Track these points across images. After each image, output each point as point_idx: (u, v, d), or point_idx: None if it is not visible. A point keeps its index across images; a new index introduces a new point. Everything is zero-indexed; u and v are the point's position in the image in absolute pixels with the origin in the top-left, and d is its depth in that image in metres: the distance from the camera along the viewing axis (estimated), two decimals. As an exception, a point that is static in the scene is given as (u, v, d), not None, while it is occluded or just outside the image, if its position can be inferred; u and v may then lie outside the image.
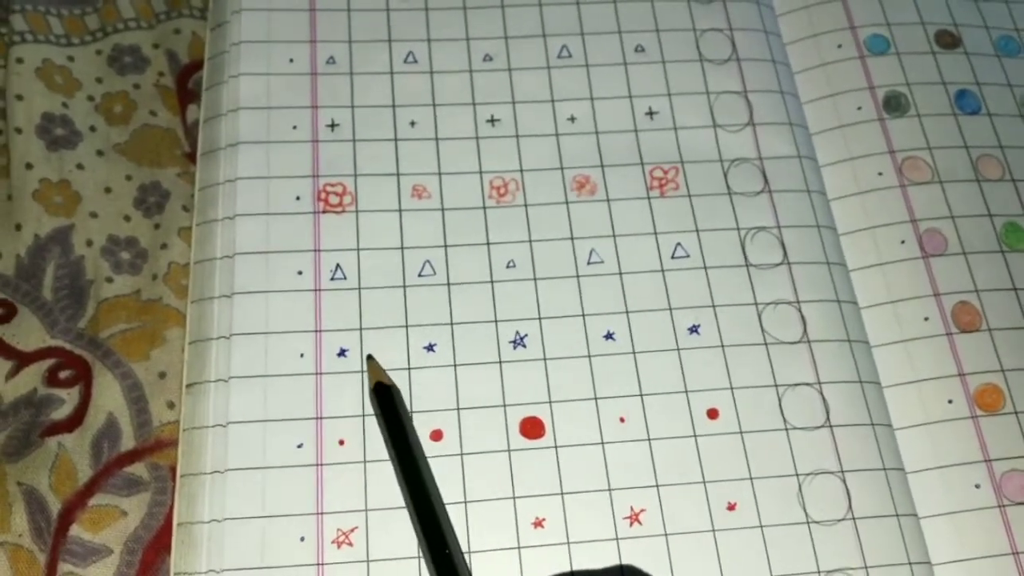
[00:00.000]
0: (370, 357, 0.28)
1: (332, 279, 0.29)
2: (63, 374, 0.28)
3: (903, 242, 0.31)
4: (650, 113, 0.33)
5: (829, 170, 0.32)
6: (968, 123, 0.33)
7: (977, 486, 0.28)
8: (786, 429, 0.27)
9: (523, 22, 0.34)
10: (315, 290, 0.29)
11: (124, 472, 0.27)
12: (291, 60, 0.32)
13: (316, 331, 0.28)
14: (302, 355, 0.28)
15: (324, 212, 0.30)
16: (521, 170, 0.31)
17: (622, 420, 0.27)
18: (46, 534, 0.26)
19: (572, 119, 0.32)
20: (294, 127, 0.31)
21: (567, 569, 0.25)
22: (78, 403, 0.28)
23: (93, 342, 0.28)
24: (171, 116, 0.32)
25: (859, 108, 0.33)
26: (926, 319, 0.30)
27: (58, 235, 0.30)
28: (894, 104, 0.33)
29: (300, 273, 0.29)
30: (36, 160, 0.30)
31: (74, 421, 0.27)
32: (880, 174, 0.32)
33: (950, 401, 0.29)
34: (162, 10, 0.34)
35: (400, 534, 0.25)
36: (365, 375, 0.28)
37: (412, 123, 0.32)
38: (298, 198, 0.30)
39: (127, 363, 0.28)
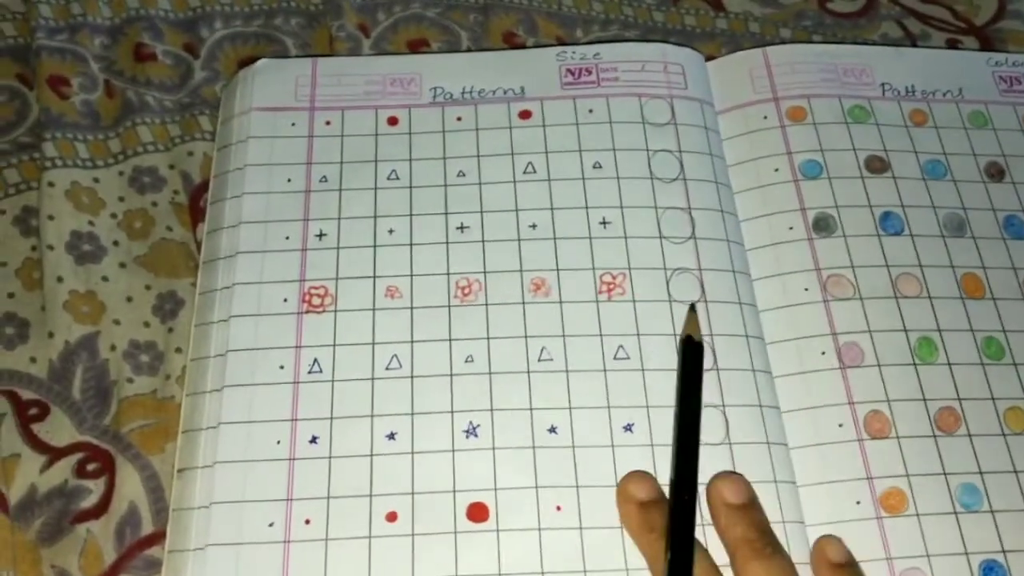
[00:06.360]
0: (693, 308, 0.33)
1: (310, 372, 0.33)
2: (90, 467, 0.32)
3: (823, 353, 0.34)
4: (603, 223, 0.36)
5: (761, 283, 0.36)
6: (890, 243, 0.37)
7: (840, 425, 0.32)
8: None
9: (494, 143, 0.38)
10: (294, 383, 0.32)
11: (144, 554, 0.31)
12: (289, 180, 0.36)
13: (292, 420, 0.32)
14: (279, 442, 0.31)
15: (307, 312, 0.34)
16: (484, 272, 0.35)
17: (559, 509, 0.31)
18: None
19: (533, 226, 0.36)
20: (287, 237, 0.35)
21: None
22: (103, 492, 0.31)
23: (116, 437, 0.32)
24: (184, 231, 0.36)
25: (791, 228, 0.37)
26: (840, 425, 0.33)
27: (86, 341, 0.34)
28: (823, 225, 0.37)
29: (282, 367, 0.33)
30: (66, 274, 0.35)
31: (100, 509, 0.31)
32: (806, 289, 0.35)
33: (858, 503, 0.32)
34: (177, 134, 0.38)
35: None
36: (335, 460, 0.31)
37: (390, 231, 0.36)
38: (285, 300, 0.34)
39: (145, 456, 0.32)
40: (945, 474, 0.32)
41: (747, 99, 0.40)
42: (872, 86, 0.41)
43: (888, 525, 0.31)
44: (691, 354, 0.32)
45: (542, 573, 0.30)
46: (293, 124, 0.38)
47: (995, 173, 0.39)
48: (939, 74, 0.41)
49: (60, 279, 0.34)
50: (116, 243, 0.36)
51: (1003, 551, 0.31)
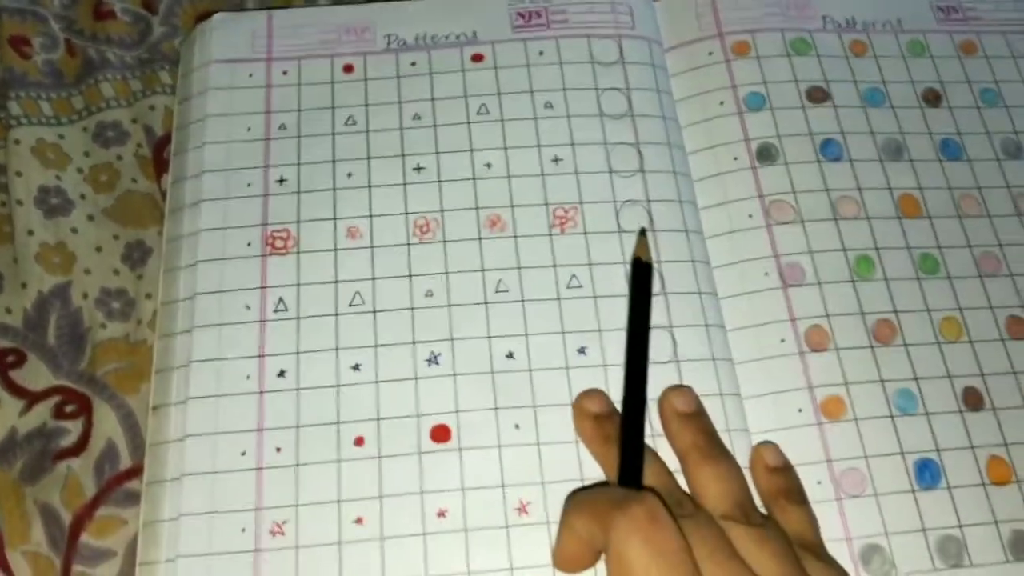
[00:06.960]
0: (643, 232, 0.35)
1: (275, 311, 0.34)
2: (68, 408, 0.33)
3: (767, 274, 0.36)
4: (555, 160, 0.38)
5: (707, 212, 0.37)
6: (830, 169, 0.38)
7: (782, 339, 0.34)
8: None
9: (448, 87, 0.39)
10: (260, 321, 0.34)
11: (123, 487, 0.32)
12: (248, 129, 0.37)
13: (260, 356, 0.33)
14: (248, 377, 0.33)
15: (270, 254, 0.35)
16: (442, 210, 0.37)
17: (517, 427, 0.32)
18: (60, 542, 0.31)
19: (488, 165, 0.38)
20: (248, 184, 0.36)
21: (463, 552, 0.30)
22: (82, 432, 0.33)
23: (92, 380, 0.34)
24: (149, 183, 0.38)
25: (735, 158, 0.38)
26: (783, 340, 0.35)
27: (58, 290, 0.35)
28: (765, 154, 0.38)
29: (248, 307, 0.34)
30: (36, 227, 0.36)
31: (79, 447, 0.33)
32: (750, 216, 0.37)
33: (800, 411, 0.34)
34: (138, 89, 0.39)
35: (322, 529, 0.31)
36: (303, 392, 0.33)
37: (349, 174, 0.37)
38: (249, 244, 0.35)
39: (121, 396, 0.34)
40: (882, 381, 0.34)
41: (693, 36, 0.41)
42: (814, 19, 0.42)
43: (828, 430, 0.33)
44: (640, 274, 0.34)
45: (503, 486, 0.31)
46: (251, 75, 0.39)
47: (932, 99, 0.40)
48: (878, 5, 0.43)
49: (31, 232, 0.35)
50: (83, 196, 0.37)
51: (937, 450, 0.33)
